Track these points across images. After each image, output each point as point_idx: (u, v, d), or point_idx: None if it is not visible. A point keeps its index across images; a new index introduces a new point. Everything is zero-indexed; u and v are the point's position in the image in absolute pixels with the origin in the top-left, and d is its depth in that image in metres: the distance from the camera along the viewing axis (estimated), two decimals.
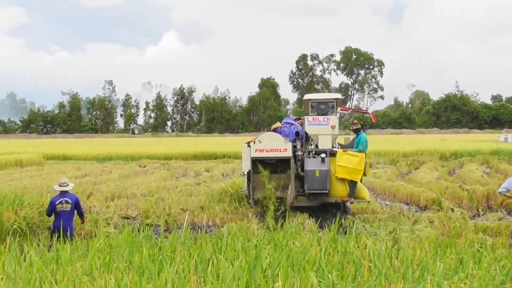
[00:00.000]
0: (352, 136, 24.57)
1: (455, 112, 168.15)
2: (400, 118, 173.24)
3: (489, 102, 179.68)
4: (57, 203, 15.83)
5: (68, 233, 14.68)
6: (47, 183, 30.80)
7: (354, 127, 22.75)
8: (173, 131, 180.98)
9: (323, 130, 21.82)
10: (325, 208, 21.12)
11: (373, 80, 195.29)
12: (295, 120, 23.57)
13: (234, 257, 9.19)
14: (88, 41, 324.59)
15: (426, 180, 32.25)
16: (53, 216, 16.19)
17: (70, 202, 15.91)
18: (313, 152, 22.01)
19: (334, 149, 21.79)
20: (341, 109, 23.86)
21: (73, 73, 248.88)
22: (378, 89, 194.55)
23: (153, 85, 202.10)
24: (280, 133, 21.82)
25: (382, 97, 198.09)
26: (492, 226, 18.39)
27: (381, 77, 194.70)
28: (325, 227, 16.62)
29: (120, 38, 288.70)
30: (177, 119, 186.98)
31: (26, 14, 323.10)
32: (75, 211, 16.37)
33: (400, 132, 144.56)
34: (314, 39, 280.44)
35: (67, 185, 16.23)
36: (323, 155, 20.96)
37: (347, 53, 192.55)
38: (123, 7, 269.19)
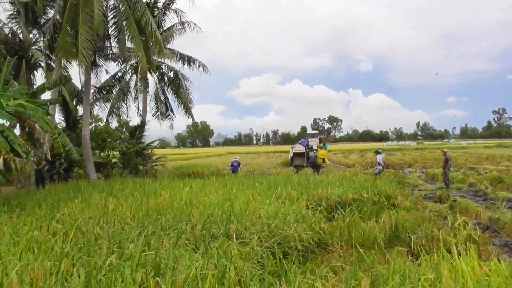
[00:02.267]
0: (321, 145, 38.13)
1: None
2: None
3: None
4: (232, 163, 28.21)
5: (235, 173, 26.04)
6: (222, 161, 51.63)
7: (324, 142, 38.33)
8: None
9: (314, 142, 35.43)
10: (315, 167, 34.27)
11: None
12: (304, 140, 36.37)
13: (285, 179, 17.82)
14: None
15: (352, 158, 55.29)
16: (230, 168, 28.98)
17: (238, 163, 27.83)
18: (311, 149, 34.78)
19: (317, 149, 34.80)
20: (319, 136, 39.26)
21: None
22: None
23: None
24: (301, 144, 35.37)
25: None
26: (369, 172, 30.72)
27: None
28: (314, 172, 32.11)
29: None
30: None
31: None
32: (238, 167, 28.01)
33: None
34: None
35: (237, 158, 28.83)
36: (314, 151, 34.30)
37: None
38: None
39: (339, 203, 13.26)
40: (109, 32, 23.50)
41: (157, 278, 5.19)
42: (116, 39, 23.08)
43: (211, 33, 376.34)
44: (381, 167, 25.96)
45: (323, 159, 35.77)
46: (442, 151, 23.76)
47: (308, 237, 9.25)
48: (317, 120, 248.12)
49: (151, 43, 23.65)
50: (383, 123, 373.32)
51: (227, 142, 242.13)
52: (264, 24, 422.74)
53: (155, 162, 31.69)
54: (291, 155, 36.10)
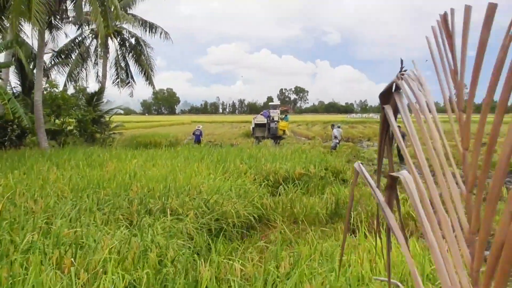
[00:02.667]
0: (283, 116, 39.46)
1: None
2: None
3: None
4: (195, 132, 28.49)
5: (198, 143, 26.72)
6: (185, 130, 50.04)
7: (285, 114, 40.23)
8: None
9: (275, 114, 36.67)
10: (275, 138, 34.45)
11: None
12: (266, 111, 37.18)
13: (238, 152, 17.33)
14: None
15: (314, 130, 53.23)
16: (192, 137, 29.62)
17: (200, 132, 28.15)
18: (272, 120, 35.59)
19: (278, 120, 35.79)
20: (280, 107, 41.69)
21: None
22: None
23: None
24: (262, 115, 36.15)
25: None
26: (328, 145, 29.13)
27: None
28: (275, 144, 31.96)
29: None
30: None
31: None
32: (200, 137, 28.27)
33: None
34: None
35: (200, 127, 28.98)
36: (275, 122, 35.19)
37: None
38: None
39: (286, 178, 13.26)
40: None
41: (71, 259, 5.06)
42: (73, 2, 22.38)
43: None
44: (337, 141, 26.06)
45: (284, 131, 36.20)
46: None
47: (247, 213, 9.21)
48: (283, 91, 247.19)
49: (112, 8, 22.98)
50: (349, 95, 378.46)
51: (193, 110, 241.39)
52: None
53: (113, 130, 31.16)
54: (253, 125, 36.68)
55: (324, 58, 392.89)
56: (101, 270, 4.90)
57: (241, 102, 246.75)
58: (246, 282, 5.10)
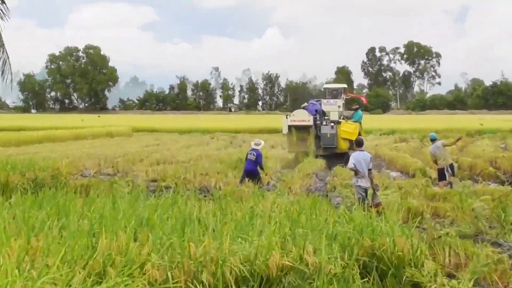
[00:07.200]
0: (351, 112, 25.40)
1: (501, 97, 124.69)
2: (454, 101, 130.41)
3: None
4: (248, 153, 16.13)
5: (254, 174, 15.36)
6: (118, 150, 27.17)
7: (353, 107, 25.98)
8: (263, 109, 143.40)
9: (333, 108, 23.56)
10: (333, 156, 21.70)
11: (432, 69, 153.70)
12: (316, 101, 24.18)
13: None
14: (204, 35, 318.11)
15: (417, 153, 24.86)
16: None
17: (255, 154, 15.68)
18: (327, 121, 22.44)
19: (339, 120, 22.74)
20: (344, 95, 25.38)
21: (189, 60, 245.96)
22: (436, 77, 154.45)
23: (251, 71, 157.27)
24: (307, 110, 22.43)
25: (439, 83, 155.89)
26: (442, 192, 12.43)
27: (439, 66, 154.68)
28: (331, 168, 19.61)
29: (229, 33, 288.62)
30: (267, 100, 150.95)
31: (155, 12, 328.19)
32: (257, 161, 15.45)
33: (454, 113, 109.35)
34: (385, 35, 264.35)
35: (259, 145, 16.50)
36: (332, 123, 22.04)
37: (410, 46, 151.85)
38: (233, 8, 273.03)
39: (245, 278, 5.85)
40: None
41: None
42: None
43: None
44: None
45: (350, 140, 21.62)
46: None
47: None
48: (367, 58, 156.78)
49: None
50: None
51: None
52: None
53: None
54: (285, 130, 23.05)
55: None
56: None
57: None
58: None
